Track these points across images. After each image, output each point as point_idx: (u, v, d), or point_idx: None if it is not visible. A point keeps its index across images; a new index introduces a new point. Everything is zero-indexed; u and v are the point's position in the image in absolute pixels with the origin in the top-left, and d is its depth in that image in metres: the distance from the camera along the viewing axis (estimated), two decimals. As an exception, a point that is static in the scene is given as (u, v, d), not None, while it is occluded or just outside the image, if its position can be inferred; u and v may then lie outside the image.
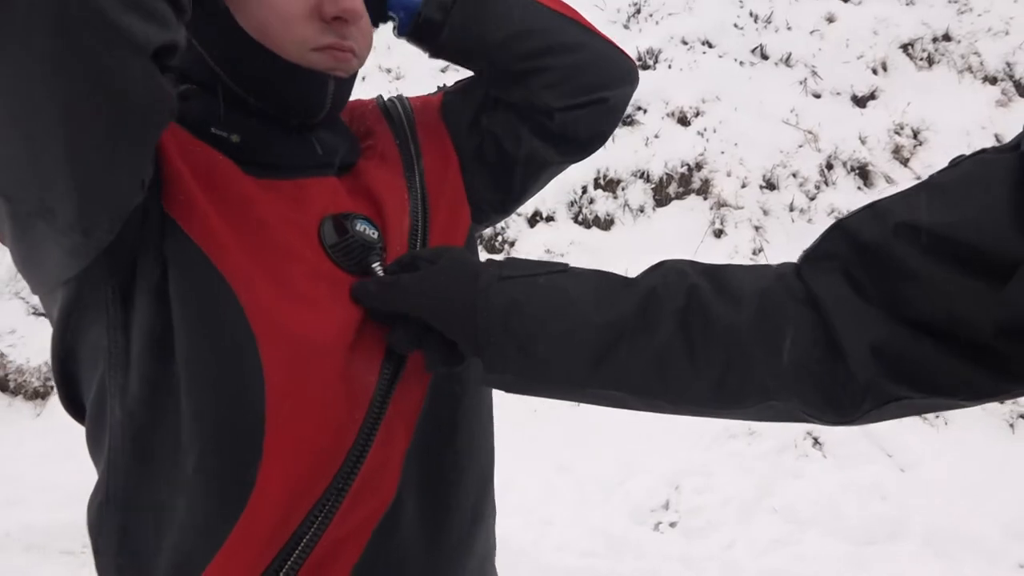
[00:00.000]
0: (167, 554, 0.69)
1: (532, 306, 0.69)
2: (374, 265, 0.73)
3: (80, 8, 0.48)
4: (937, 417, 3.08)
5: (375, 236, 0.75)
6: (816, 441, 2.99)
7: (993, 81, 4.16)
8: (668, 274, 0.70)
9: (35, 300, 3.94)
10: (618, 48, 0.91)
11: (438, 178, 0.86)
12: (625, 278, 0.72)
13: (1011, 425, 3.06)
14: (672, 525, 2.77)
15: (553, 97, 0.85)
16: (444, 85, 1.01)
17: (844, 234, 0.65)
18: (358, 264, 0.73)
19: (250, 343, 0.66)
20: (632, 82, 0.92)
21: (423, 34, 0.84)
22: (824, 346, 0.62)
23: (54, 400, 3.22)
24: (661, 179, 4.00)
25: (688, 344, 0.66)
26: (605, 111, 0.89)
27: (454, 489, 0.81)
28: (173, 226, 0.66)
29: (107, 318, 0.67)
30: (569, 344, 0.68)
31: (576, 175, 4.03)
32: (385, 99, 0.93)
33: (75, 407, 0.77)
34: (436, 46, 0.86)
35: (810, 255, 0.68)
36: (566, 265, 0.74)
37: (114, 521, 0.71)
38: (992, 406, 3.09)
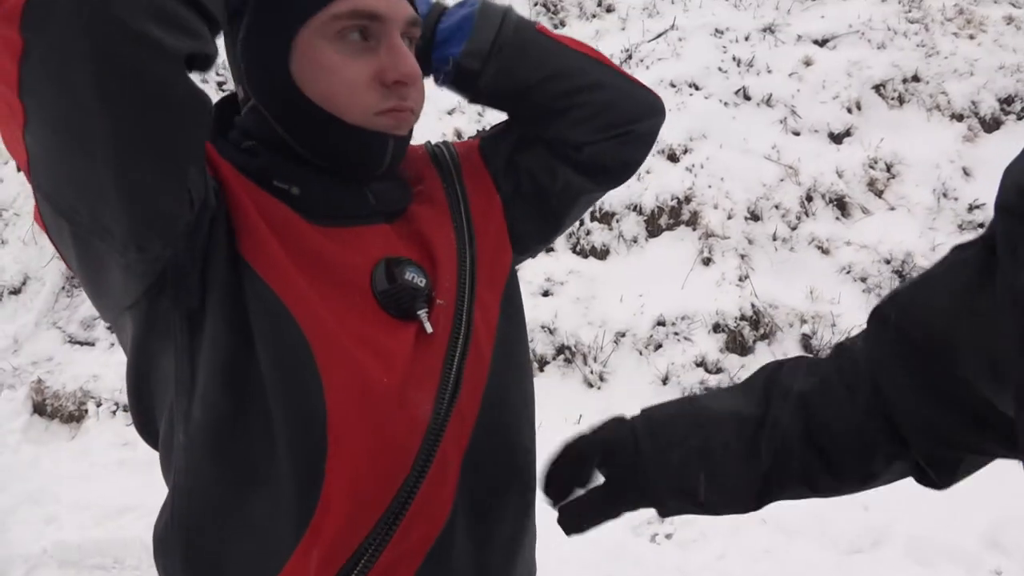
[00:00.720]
0: (229, 575, 0.73)
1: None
2: (420, 312, 0.75)
3: (106, 26, 0.51)
4: (915, 432, 3.26)
5: (423, 284, 0.77)
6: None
7: (960, 118, 4.39)
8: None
9: (72, 330, 4.08)
10: (641, 84, 0.94)
11: (483, 219, 0.89)
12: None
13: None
14: (668, 537, 2.88)
15: (583, 133, 0.89)
16: (482, 129, 1.07)
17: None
18: (406, 310, 0.75)
19: (315, 380, 0.69)
20: (658, 114, 0.96)
21: (462, 83, 0.88)
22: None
23: (88, 423, 3.35)
24: (653, 211, 4.20)
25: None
26: (633, 142, 0.93)
27: (501, 513, 0.84)
28: (245, 266, 0.70)
29: (175, 346, 0.70)
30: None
31: (572, 209, 4.23)
32: (432, 145, 0.96)
33: (148, 432, 0.80)
34: (474, 92, 0.89)
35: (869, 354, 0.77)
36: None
37: (178, 541, 0.73)
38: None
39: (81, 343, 3.96)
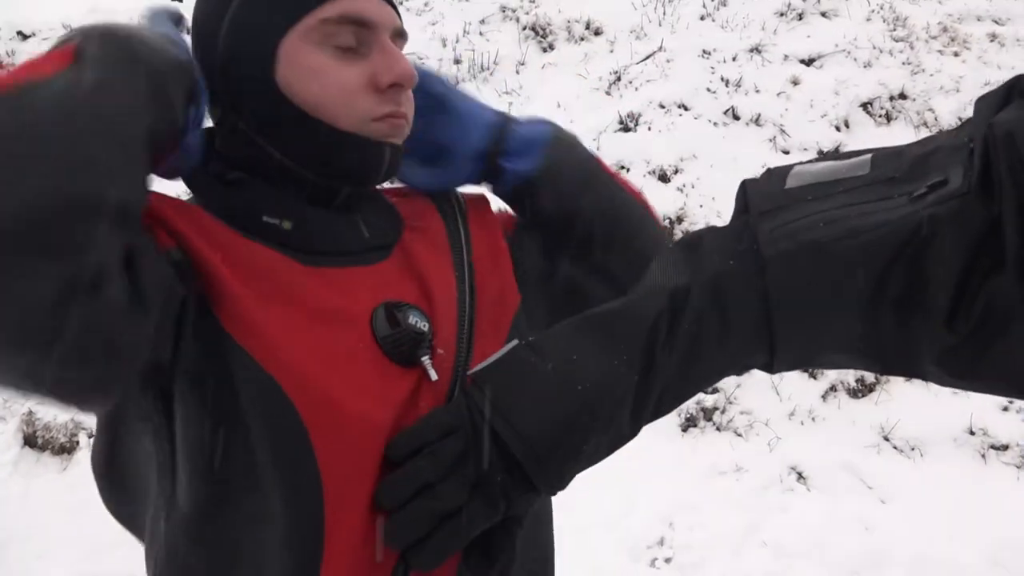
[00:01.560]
0: None
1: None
2: (423, 358, 0.71)
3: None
4: (913, 449, 3.25)
5: (425, 328, 0.73)
6: (800, 476, 3.15)
7: (948, 135, 4.44)
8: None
9: None
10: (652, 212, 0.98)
11: (487, 264, 0.85)
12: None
13: (983, 456, 3.22)
14: (667, 561, 2.87)
15: (602, 256, 0.90)
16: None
17: None
18: (408, 357, 0.71)
19: (304, 440, 0.64)
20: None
21: (517, 198, 0.90)
22: None
23: (79, 455, 3.31)
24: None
25: None
26: None
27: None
28: (225, 337, 0.64)
29: (153, 427, 0.65)
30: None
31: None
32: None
33: (127, 518, 0.74)
34: (527, 210, 0.90)
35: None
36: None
37: None
38: (964, 438, 3.27)
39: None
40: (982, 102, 0.62)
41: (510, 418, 0.63)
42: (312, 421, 0.64)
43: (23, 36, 6.53)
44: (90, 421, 3.68)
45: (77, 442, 3.38)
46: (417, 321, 0.73)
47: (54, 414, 3.66)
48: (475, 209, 0.91)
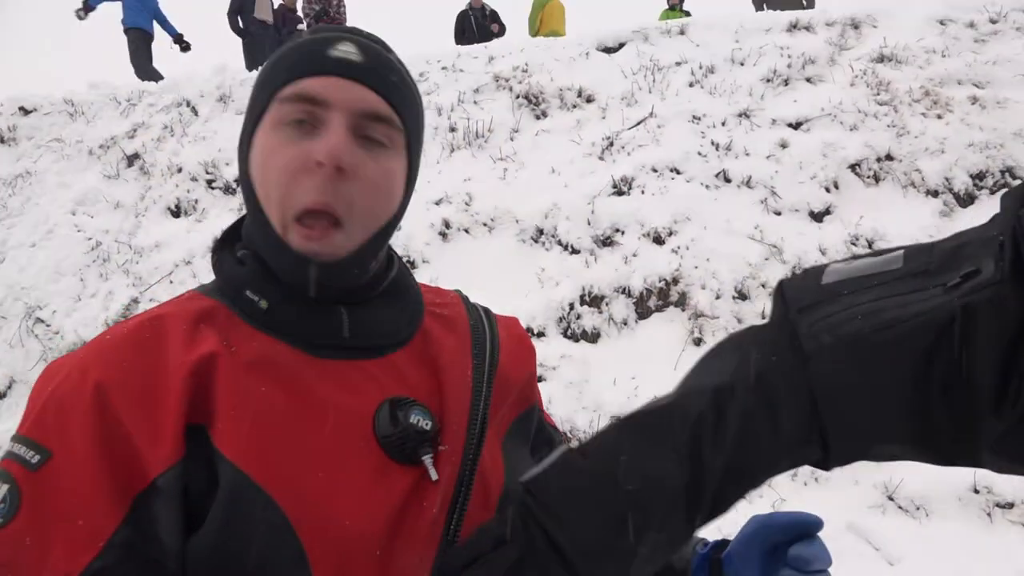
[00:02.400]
0: None
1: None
2: (424, 457, 0.70)
3: None
4: (918, 509, 3.21)
5: (428, 427, 0.71)
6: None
7: (935, 194, 4.52)
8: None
9: None
10: None
11: (511, 360, 0.85)
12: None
13: (988, 514, 3.18)
14: None
15: None
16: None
17: None
18: (409, 455, 0.70)
19: (296, 545, 0.63)
20: None
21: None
22: None
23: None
24: (641, 294, 4.24)
25: None
26: None
27: None
28: (219, 457, 0.63)
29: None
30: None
31: (564, 293, 4.26)
32: (463, 294, 0.93)
33: None
34: None
35: None
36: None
37: None
38: (969, 496, 3.23)
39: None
40: (1008, 197, 0.64)
41: (563, 523, 0.64)
42: (306, 534, 0.63)
43: (25, 111, 6.67)
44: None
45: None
46: (419, 420, 0.71)
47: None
48: (503, 320, 0.91)
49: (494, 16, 9.74)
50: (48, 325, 4.59)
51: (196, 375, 0.65)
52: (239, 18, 9.15)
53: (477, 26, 9.56)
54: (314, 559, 0.63)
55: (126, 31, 8.70)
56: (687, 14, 9.06)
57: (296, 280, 0.71)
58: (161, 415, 0.62)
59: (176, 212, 5.47)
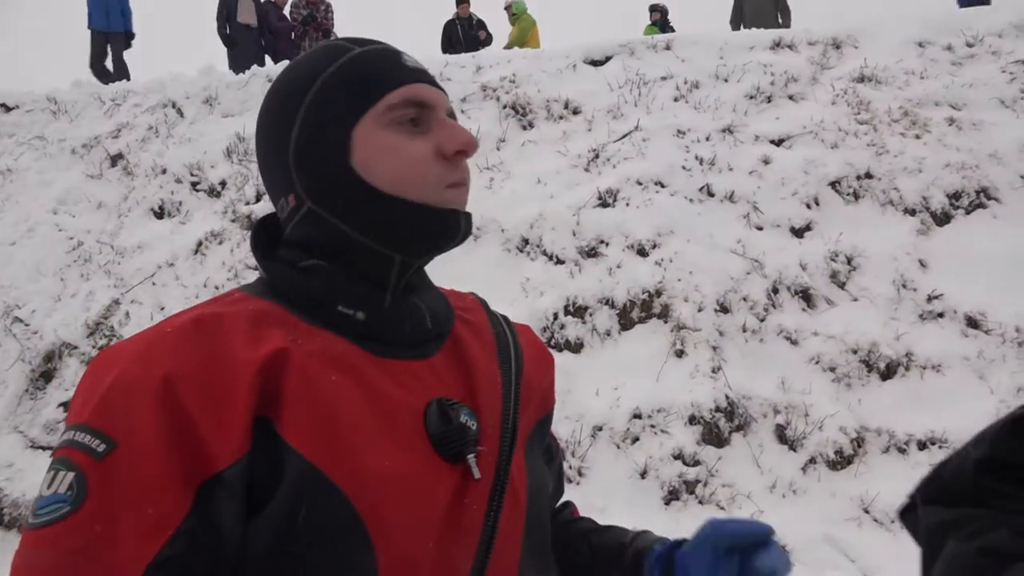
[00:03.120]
0: None
1: None
2: (469, 456, 0.74)
3: None
4: (892, 522, 3.27)
5: (474, 428, 0.76)
6: (783, 549, 3.14)
7: (912, 212, 4.62)
8: None
9: (34, 434, 3.95)
10: None
11: (534, 367, 0.90)
12: None
13: (961, 527, 3.25)
14: None
15: None
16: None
17: None
18: (456, 454, 0.74)
19: (361, 532, 0.66)
20: None
21: None
22: None
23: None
24: (625, 305, 4.28)
25: None
26: None
27: None
28: (288, 450, 0.66)
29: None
30: None
31: (548, 303, 4.30)
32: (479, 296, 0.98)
33: None
34: None
35: None
36: None
37: None
38: (942, 509, 3.29)
39: (44, 448, 3.83)
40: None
41: None
42: (371, 522, 0.66)
43: (6, 108, 6.61)
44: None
45: (47, 518, 3.28)
46: (467, 420, 0.76)
47: (23, 490, 3.56)
48: (519, 328, 0.96)
49: (481, 24, 9.81)
50: (27, 325, 4.54)
51: (266, 370, 0.67)
52: (227, 25, 9.12)
53: (464, 36, 9.61)
54: (379, 546, 0.66)
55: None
56: (672, 29, 9.19)
57: (447, 232, 0.78)
58: (229, 408, 0.64)
59: (160, 213, 5.44)
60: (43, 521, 0.60)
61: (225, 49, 9.07)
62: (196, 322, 0.69)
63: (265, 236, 0.84)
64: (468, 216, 0.81)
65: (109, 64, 8.90)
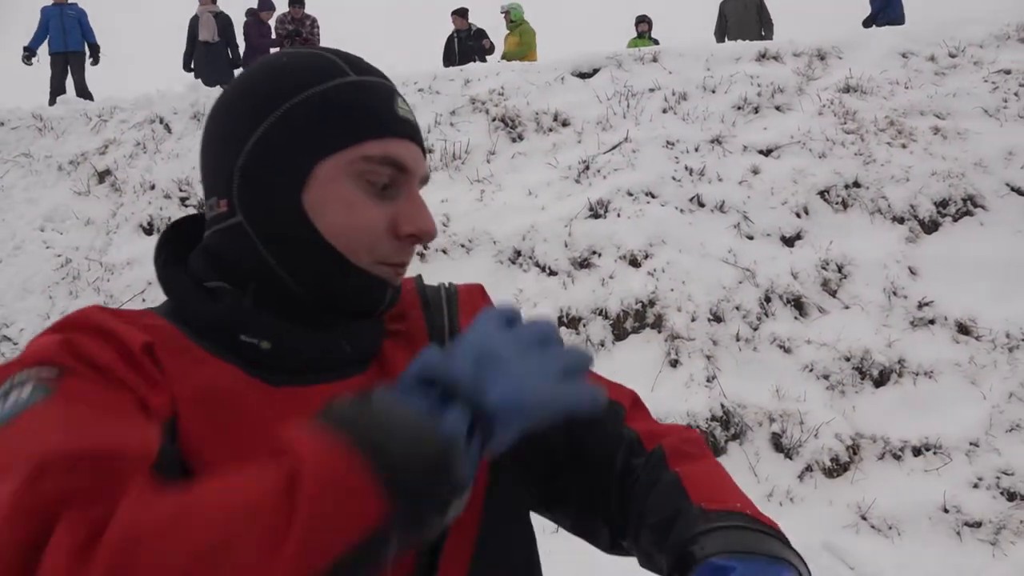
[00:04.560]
0: None
1: None
2: None
3: None
4: (890, 528, 3.28)
5: None
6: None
7: (901, 221, 4.66)
8: None
9: None
10: None
11: None
12: None
13: (958, 533, 3.27)
14: None
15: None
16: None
17: None
18: None
19: None
20: None
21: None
22: None
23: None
24: (618, 315, 4.29)
25: None
26: None
27: None
28: (179, 460, 0.61)
29: None
30: None
31: (542, 314, 4.29)
32: (423, 282, 0.90)
33: None
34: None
35: None
36: None
37: None
38: (939, 516, 3.31)
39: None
40: None
41: None
42: None
43: (-8, 124, 6.56)
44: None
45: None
46: None
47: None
48: (467, 296, 0.88)
49: (481, 34, 9.83)
50: (15, 343, 4.48)
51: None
52: (192, 60, 9.11)
53: (460, 48, 9.64)
54: None
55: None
56: (655, 42, 9.26)
57: (366, 302, 0.72)
58: (153, 387, 0.61)
59: (148, 230, 5.41)
60: (7, 415, 0.52)
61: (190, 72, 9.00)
62: (96, 319, 0.64)
63: (177, 238, 0.77)
64: (396, 291, 0.75)
65: (71, 90, 8.63)
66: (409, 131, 0.73)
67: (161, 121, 6.31)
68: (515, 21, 9.51)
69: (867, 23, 8.82)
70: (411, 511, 0.49)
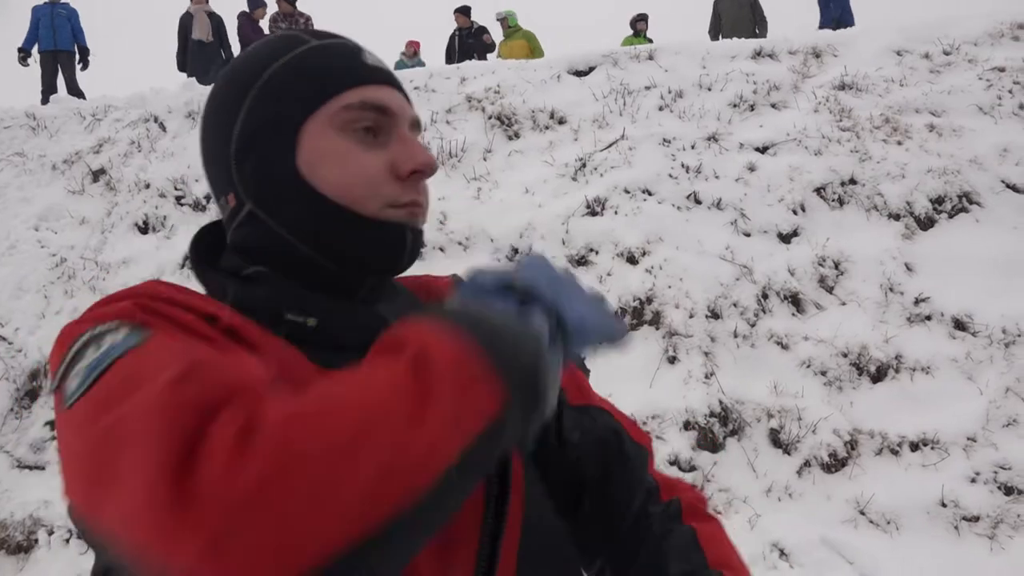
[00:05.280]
0: None
1: None
2: None
3: None
4: (889, 523, 3.29)
5: None
6: (782, 553, 3.15)
7: (897, 217, 4.68)
8: None
9: (20, 453, 3.86)
10: None
11: None
12: None
13: (956, 528, 3.28)
14: None
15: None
16: None
17: None
18: None
19: None
20: None
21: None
22: None
23: (38, 554, 3.14)
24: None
25: None
26: None
27: None
28: None
29: None
30: None
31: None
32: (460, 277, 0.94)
33: None
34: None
35: None
36: None
37: None
38: (937, 510, 3.32)
39: (30, 467, 3.76)
40: None
41: None
42: None
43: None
44: (48, 518, 3.51)
45: (36, 540, 3.21)
46: None
47: (10, 511, 3.49)
48: None
49: (482, 30, 9.85)
50: (11, 343, 4.46)
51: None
52: (184, 47, 9.07)
53: (461, 46, 9.66)
54: None
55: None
56: (649, 41, 9.28)
57: (389, 251, 0.72)
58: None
59: (144, 228, 5.38)
60: (103, 368, 0.52)
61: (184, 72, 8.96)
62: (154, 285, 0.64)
63: (205, 246, 0.77)
64: (418, 233, 0.74)
65: (62, 89, 8.54)
66: (383, 77, 0.73)
67: (156, 120, 6.29)
68: (512, 27, 9.53)
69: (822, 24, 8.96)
70: (520, 405, 0.50)
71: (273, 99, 0.70)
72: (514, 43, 9.37)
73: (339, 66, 0.72)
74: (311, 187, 0.69)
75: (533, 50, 9.05)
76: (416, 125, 0.76)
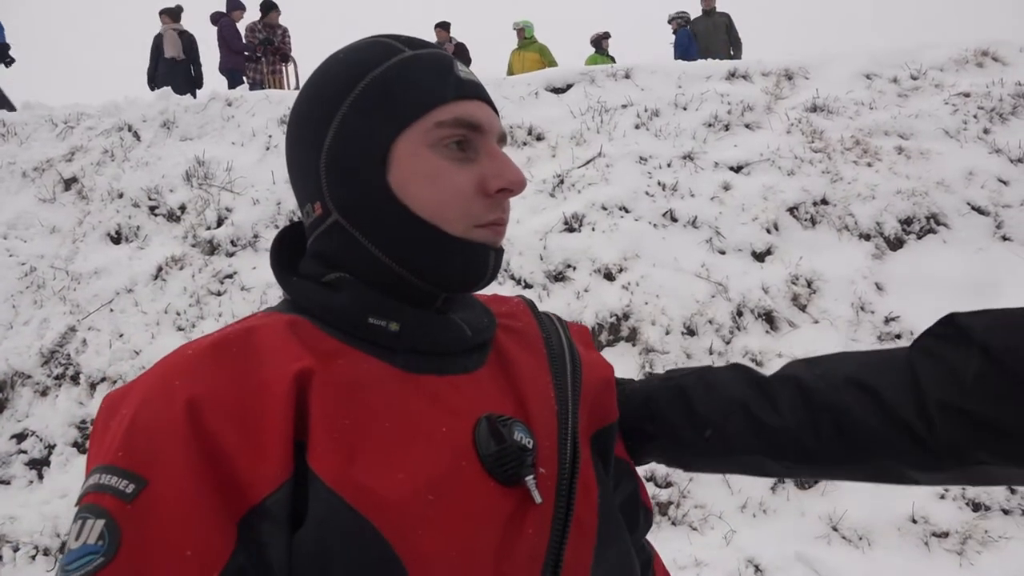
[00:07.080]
0: None
1: None
2: (527, 478, 0.66)
3: None
4: (861, 539, 3.35)
5: (530, 445, 0.68)
6: (757, 568, 3.18)
7: (867, 237, 4.77)
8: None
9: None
10: None
11: (590, 370, 0.83)
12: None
13: (926, 543, 3.34)
14: None
15: None
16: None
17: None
18: (512, 476, 0.65)
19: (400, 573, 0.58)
20: None
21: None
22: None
23: (3, 571, 3.06)
24: (593, 328, 4.32)
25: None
26: None
27: None
28: (312, 477, 0.59)
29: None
30: None
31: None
32: (528, 300, 0.92)
33: None
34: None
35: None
36: None
37: None
38: (907, 527, 3.38)
39: (-3, 482, 3.68)
40: None
41: None
42: (411, 563, 0.58)
43: (-47, 129, 6.38)
44: (13, 534, 3.42)
45: (0, 556, 3.13)
46: (522, 437, 0.68)
47: None
48: (575, 327, 0.91)
49: (460, 49, 9.87)
50: (-23, 354, 4.36)
51: (298, 388, 0.61)
52: (156, 65, 9.04)
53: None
54: None
55: None
56: (612, 60, 9.39)
57: (472, 271, 0.72)
58: (264, 430, 0.58)
59: (117, 238, 5.31)
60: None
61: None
62: (221, 341, 0.63)
63: (285, 249, 0.78)
64: (500, 253, 0.75)
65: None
66: (475, 91, 0.73)
67: (130, 129, 6.21)
68: (528, 38, 9.59)
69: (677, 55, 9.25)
70: None
71: (366, 113, 0.70)
72: (527, 54, 9.44)
73: (433, 80, 0.71)
74: (402, 205, 0.69)
75: (547, 64, 9.10)
76: (503, 139, 0.76)
